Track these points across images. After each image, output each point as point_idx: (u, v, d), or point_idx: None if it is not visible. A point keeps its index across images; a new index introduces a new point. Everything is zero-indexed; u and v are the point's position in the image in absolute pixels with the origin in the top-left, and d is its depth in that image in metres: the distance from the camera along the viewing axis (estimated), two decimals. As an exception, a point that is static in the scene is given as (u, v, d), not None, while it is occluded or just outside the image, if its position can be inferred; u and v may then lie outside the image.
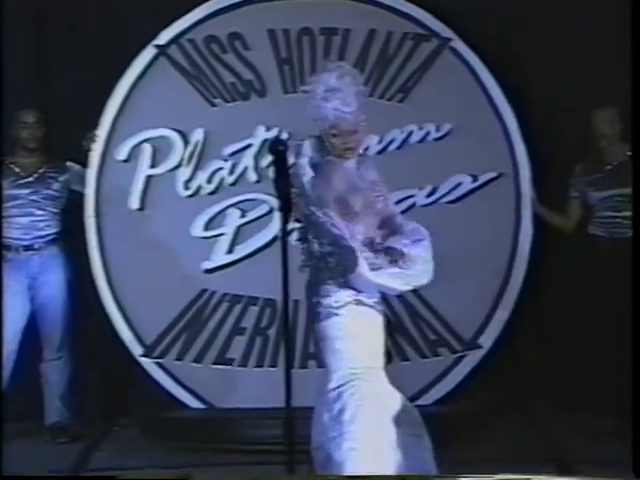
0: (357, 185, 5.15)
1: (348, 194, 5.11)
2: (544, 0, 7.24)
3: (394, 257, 5.23)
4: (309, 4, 7.27)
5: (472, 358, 7.13)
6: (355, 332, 5.03)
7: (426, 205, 7.11)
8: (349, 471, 4.87)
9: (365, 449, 4.89)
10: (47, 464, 6.32)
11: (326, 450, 5.01)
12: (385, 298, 6.44)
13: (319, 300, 5.24)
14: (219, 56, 7.25)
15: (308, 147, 5.22)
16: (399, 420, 5.02)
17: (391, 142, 7.11)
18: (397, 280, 5.22)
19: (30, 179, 7.02)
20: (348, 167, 5.15)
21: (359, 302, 5.13)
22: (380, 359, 5.22)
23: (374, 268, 5.14)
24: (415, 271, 5.28)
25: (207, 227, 7.16)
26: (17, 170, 7.01)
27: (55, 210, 7.05)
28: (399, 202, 6.62)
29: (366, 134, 5.27)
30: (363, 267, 5.15)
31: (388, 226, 5.27)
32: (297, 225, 5.26)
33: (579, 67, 7.21)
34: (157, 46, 7.25)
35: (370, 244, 5.20)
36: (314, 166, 5.17)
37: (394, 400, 5.05)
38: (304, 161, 5.23)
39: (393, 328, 6.60)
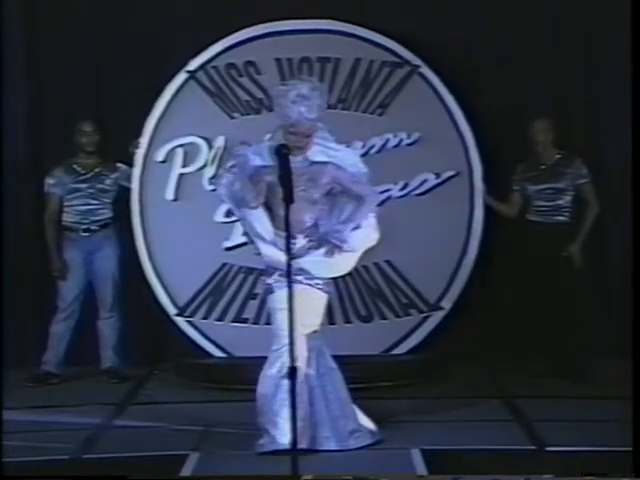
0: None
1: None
2: (490, 38, 8.00)
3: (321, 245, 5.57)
4: (307, 39, 7.88)
5: (435, 317, 7.81)
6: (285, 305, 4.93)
7: (400, 197, 7.76)
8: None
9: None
10: (105, 398, 6.99)
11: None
12: (367, 269, 7.50)
13: (264, 278, 5.76)
14: (237, 79, 7.90)
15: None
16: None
17: (372, 147, 7.75)
18: (317, 266, 5.55)
19: (88, 176, 7.64)
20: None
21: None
22: (307, 327, 5.47)
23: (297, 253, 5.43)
24: (337, 260, 5.59)
25: (227, 214, 7.66)
26: (78, 169, 7.65)
27: (108, 201, 7.66)
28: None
29: (313, 139, 5.52)
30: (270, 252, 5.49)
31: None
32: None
33: (520, 88, 7.90)
34: (188, 72, 7.93)
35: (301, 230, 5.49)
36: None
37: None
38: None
39: (375, 294, 7.76)
